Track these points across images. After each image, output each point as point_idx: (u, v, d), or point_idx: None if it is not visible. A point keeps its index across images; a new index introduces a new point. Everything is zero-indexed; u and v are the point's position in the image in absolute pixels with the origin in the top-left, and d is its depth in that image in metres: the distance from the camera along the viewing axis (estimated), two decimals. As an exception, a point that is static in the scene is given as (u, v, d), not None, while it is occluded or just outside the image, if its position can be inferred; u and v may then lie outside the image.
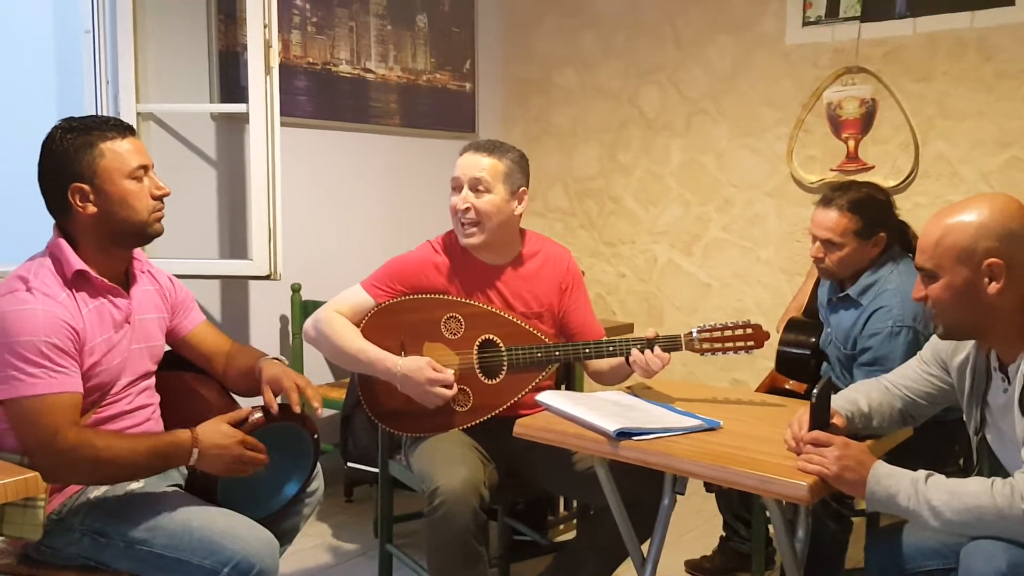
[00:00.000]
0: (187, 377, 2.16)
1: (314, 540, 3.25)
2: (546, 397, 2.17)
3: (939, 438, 2.39)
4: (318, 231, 3.78)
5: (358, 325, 2.41)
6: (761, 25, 3.83)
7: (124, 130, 1.92)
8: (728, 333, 2.23)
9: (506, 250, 2.46)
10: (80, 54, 3.23)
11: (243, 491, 1.95)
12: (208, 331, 2.19)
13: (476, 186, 2.35)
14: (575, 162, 4.45)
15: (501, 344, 2.36)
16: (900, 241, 2.58)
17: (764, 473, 1.70)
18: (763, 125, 3.87)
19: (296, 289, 3.56)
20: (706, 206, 4.06)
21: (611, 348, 2.30)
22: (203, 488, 1.93)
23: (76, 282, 1.87)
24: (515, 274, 2.46)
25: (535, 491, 2.58)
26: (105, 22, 3.18)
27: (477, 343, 2.38)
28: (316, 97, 3.74)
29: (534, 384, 2.36)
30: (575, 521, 3.31)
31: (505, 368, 2.36)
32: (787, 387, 2.83)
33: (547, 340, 2.36)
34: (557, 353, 2.33)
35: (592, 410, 2.02)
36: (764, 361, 3.80)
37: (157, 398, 2.09)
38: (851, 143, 3.66)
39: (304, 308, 3.51)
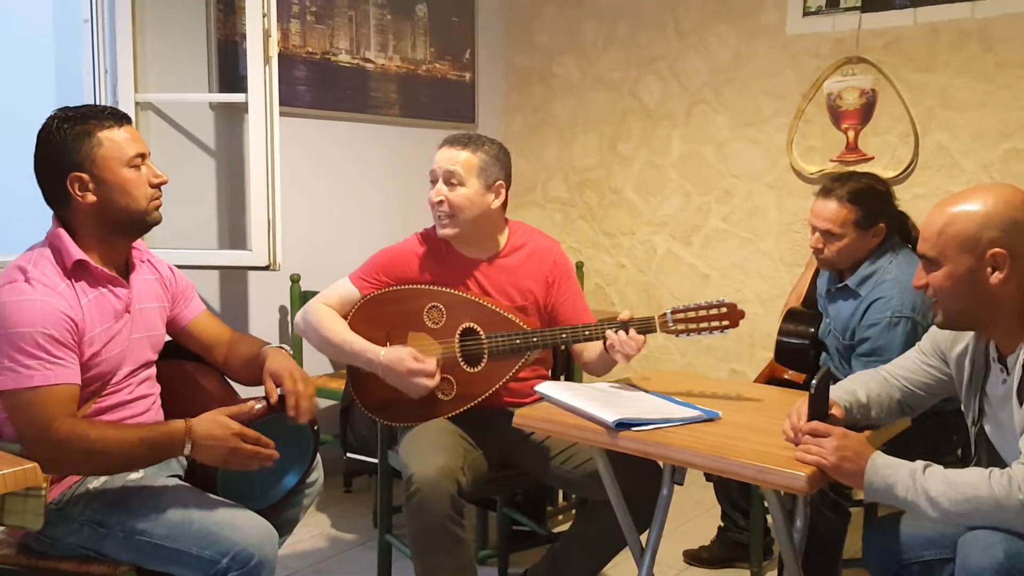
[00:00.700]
0: (187, 366, 2.17)
1: (313, 530, 3.26)
2: (545, 388, 2.17)
3: (937, 429, 2.39)
4: (317, 221, 3.78)
5: (345, 317, 2.45)
6: (762, 15, 3.82)
7: (120, 119, 1.92)
8: (703, 313, 2.21)
9: (487, 243, 2.47)
10: (79, 44, 3.23)
11: (243, 482, 1.95)
12: (209, 321, 2.19)
13: (449, 179, 2.38)
14: (575, 153, 4.44)
15: (481, 332, 2.37)
16: (899, 232, 2.57)
17: (762, 463, 1.71)
18: (763, 116, 3.86)
19: (295, 279, 3.56)
20: (706, 197, 4.05)
21: (587, 332, 2.30)
22: (203, 479, 1.93)
23: (76, 272, 1.87)
24: (497, 267, 2.46)
25: (532, 482, 2.58)
26: (104, 12, 3.17)
27: (458, 331, 2.39)
28: (315, 87, 3.73)
29: (515, 371, 2.37)
30: (574, 511, 3.32)
31: (486, 356, 2.36)
32: (786, 377, 2.84)
33: (526, 327, 2.37)
34: (535, 339, 2.34)
35: (591, 401, 2.02)
36: (763, 352, 3.81)
37: (158, 388, 2.09)
38: (851, 134, 3.65)
39: (303, 298, 3.51)
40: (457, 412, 2.38)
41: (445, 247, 2.48)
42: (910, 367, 1.98)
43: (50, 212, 1.94)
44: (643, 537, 2.19)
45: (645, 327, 2.23)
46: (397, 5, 4.04)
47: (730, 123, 3.96)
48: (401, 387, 2.34)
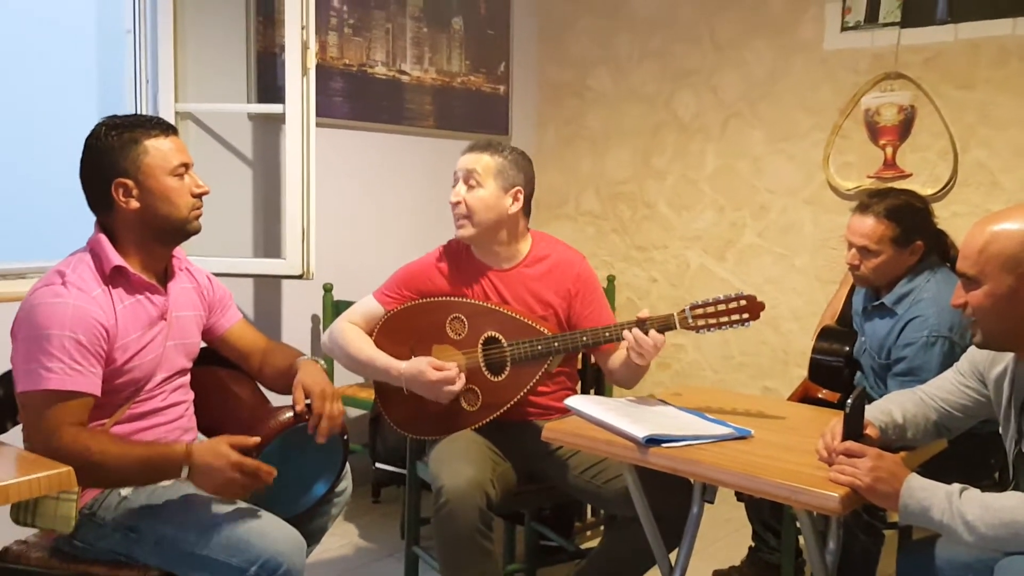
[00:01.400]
0: (221, 373, 2.19)
1: (341, 540, 3.27)
2: (575, 402, 2.16)
3: (974, 451, 2.35)
4: (351, 231, 3.81)
5: (370, 334, 2.47)
6: (799, 30, 3.80)
7: (166, 128, 1.95)
8: (722, 307, 2.18)
9: (506, 251, 2.47)
10: (121, 54, 3.28)
11: (272, 490, 1.96)
12: (245, 329, 2.21)
13: (468, 180, 2.41)
14: (608, 165, 4.43)
15: (503, 340, 2.37)
16: (938, 250, 2.54)
17: (795, 483, 1.68)
18: (799, 131, 3.83)
19: (328, 289, 3.59)
20: (740, 212, 4.03)
21: (607, 334, 2.28)
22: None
23: (113, 278, 1.90)
24: (517, 276, 2.46)
25: (559, 496, 2.57)
26: (146, 23, 3.22)
27: (481, 340, 2.39)
28: (352, 98, 3.76)
29: (538, 377, 2.36)
30: (602, 527, 3.30)
31: (509, 363, 2.36)
32: (820, 396, 2.80)
33: (547, 332, 2.36)
34: (556, 344, 2.33)
35: (621, 416, 2.01)
36: (797, 370, 3.76)
37: (191, 395, 2.11)
38: (889, 150, 3.61)
39: (336, 308, 3.53)
40: (483, 423, 2.38)
41: (466, 255, 2.49)
42: (947, 388, 1.94)
43: (91, 219, 1.97)
44: (672, 556, 2.17)
45: (664, 325, 2.21)
46: (433, 18, 4.07)
47: (765, 138, 3.93)
48: (428, 396, 2.35)
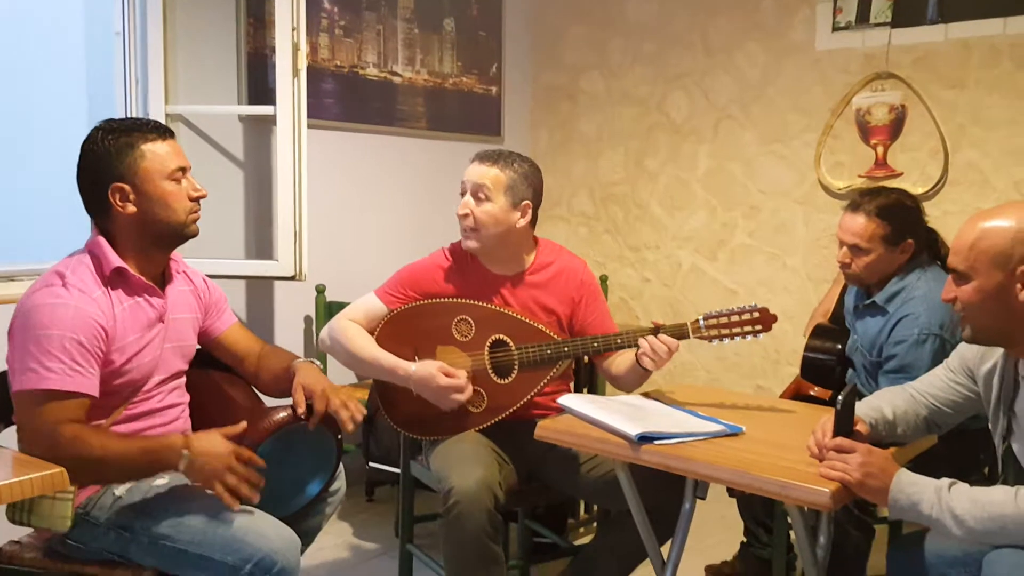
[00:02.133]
0: (215, 376, 2.19)
1: (335, 539, 3.27)
2: (568, 400, 2.17)
3: (963, 446, 2.36)
4: (343, 233, 3.81)
5: (372, 333, 2.45)
6: (791, 32, 3.81)
7: (164, 132, 1.95)
8: (735, 319, 2.20)
9: (512, 260, 2.47)
10: (111, 55, 3.28)
11: (266, 489, 1.96)
12: (240, 333, 2.22)
13: (477, 193, 2.38)
14: (601, 167, 4.44)
15: (511, 343, 2.37)
16: (928, 248, 2.55)
17: (786, 479, 1.69)
18: (791, 132, 3.85)
19: (321, 290, 3.59)
20: (732, 212, 4.04)
21: (619, 341, 2.30)
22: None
23: (113, 280, 1.90)
24: (523, 284, 2.46)
25: (557, 495, 2.58)
26: (136, 25, 3.22)
27: (488, 343, 2.39)
28: (343, 100, 3.76)
29: (546, 381, 2.36)
30: (595, 524, 3.31)
31: (516, 367, 2.36)
32: (812, 393, 2.81)
33: (556, 337, 2.37)
34: (566, 349, 2.33)
35: (614, 414, 2.02)
36: (789, 368, 3.78)
37: (187, 397, 2.11)
38: (880, 149, 3.63)
39: (328, 309, 3.53)
40: (487, 424, 2.38)
41: (471, 262, 2.48)
42: (937, 384, 1.96)
43: (83, 222, 1.97)
44: (664, 550, 2.18)
45: (678, 333, 2.23)
46: (424, 19, 4.07)
47: (757, 139, 3.95)
48: (433, 401, 2.34)
